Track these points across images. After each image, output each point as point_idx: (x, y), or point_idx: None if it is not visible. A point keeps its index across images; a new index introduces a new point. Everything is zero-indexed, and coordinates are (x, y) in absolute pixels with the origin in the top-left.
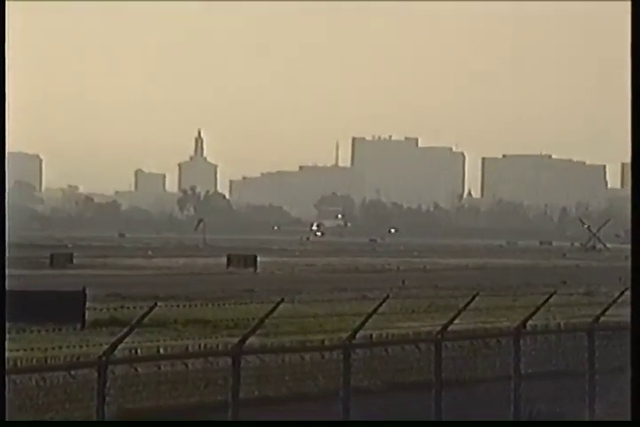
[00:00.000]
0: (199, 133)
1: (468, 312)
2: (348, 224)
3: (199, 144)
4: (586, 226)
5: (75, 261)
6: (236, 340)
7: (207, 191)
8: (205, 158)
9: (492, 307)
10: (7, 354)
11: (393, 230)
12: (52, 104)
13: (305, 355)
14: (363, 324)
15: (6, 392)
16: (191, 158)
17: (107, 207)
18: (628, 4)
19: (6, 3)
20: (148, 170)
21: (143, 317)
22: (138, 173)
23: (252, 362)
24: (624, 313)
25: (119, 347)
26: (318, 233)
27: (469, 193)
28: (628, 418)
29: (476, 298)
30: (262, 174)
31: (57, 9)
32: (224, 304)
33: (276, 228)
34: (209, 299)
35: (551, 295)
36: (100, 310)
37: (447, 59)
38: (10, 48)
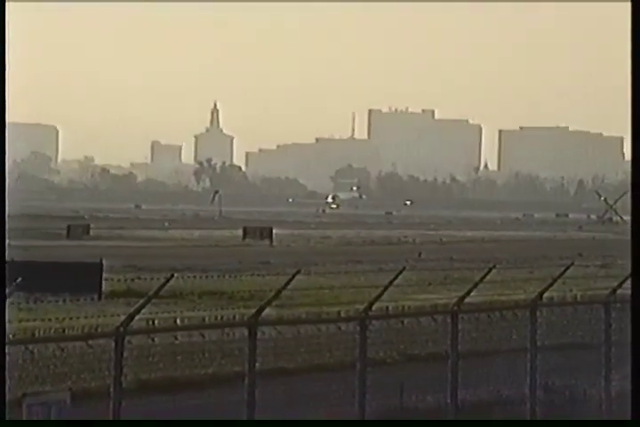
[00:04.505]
0: (215, 105)
1: (484, 284)
2: (364, 196)
3: (215, 116)
4: (602, 198)
5: (91, 232)
6: (251, 311)
7: (223, 163)
8: (221, 130)
9: (508, 279)
10: (23, 324)
11: (408, 203)
12: (68, 76)
13: (321, 326)
14: (379, 296)
15: (6, 392)
16: (207, 130)
17: (123, 179)
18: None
19: (6, 3)
20: (164, 142)
21: (160, 288)
22: (154, 144)
23: (268, 333)
24: None
25: (135, 318)
26: (333, 205)
27: (486, 166)
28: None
29: (493, 270)
30: (278, 146)
31: None
32: (240, 276)
33: (290, 200)
34: (225, 271)
35: (568, 267)
36: (117, 280)
37: (464, 31)
38: (28, 23)
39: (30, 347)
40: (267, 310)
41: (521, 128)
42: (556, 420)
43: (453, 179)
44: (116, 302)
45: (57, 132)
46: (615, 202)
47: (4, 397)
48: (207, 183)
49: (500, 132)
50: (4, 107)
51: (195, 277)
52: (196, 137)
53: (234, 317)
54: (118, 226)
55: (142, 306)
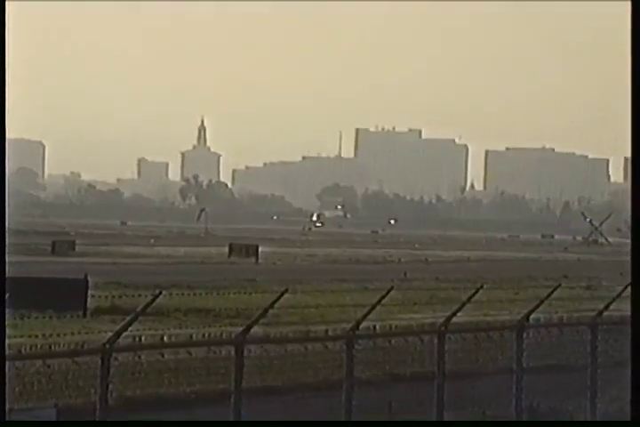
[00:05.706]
0: (202, 122)
1: (469, 305)
2: (348, 215)
3: (202, 133)
4: (588, 220)
5: (76, 248)
6: (237, 329)
7: (210, 180)
8: (208, 147)
9: (493, 300)
10: (8, 341)
11: (392, 221)
12: (55, 91)
13: (308, 345)
14: (366, 315)
15: (6, 392)
16: (194, 147)
17: (109, 195)
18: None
19: (6, 3)
20: (150, 158)
21: (148, 305)
22: (141, 161)
23: (254, 352)
24: (627, 308)
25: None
26: (318, 224)
27: (472, 185)
28: (628, 416)
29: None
30: (265, 164)
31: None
32: (226, 293)
33: (275, 217)
34: (210, 288)
35: (555, 289)
36: (103, 297)
37: (452, 51)
38: (15, 37)
39: (16, 364)
40: (253, 328)
41: (507, 149)
42: (556, 420)
43: (439, 198)
44: (102, 318)
45: (43, 147)
46: (601, 224)
47: (4, 398)
48: (193, 200)
49: (487, 152)
50: (4, 120)
51: (181, 294)
52: (182, 154)
53: (221, 334)
54: (104, 242)
55: (129, 323)
